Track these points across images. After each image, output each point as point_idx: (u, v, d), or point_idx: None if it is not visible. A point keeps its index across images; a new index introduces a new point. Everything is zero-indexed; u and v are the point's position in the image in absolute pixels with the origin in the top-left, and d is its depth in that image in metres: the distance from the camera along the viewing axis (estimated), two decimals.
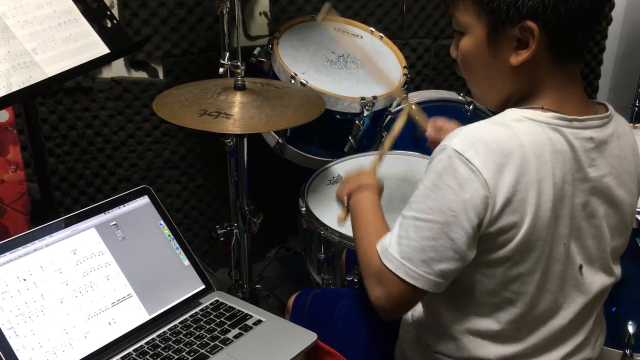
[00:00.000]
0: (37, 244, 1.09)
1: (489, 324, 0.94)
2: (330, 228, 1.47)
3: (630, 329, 1.45)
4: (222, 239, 1.87)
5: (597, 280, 0.96)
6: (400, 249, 0.90)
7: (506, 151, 0.84)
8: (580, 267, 0.94)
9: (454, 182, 0.85)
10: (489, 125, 0.88)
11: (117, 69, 1.99)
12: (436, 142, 1.30)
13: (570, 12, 0.85)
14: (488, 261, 0.90)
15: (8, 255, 1.06)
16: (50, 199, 1.56)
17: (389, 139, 1.33)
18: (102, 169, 2.08)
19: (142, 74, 2.04)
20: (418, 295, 0.92)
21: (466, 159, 0.84)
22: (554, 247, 0.90)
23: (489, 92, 0.98)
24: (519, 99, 0.93)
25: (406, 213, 0.91)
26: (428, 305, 1.02)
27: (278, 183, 2.25)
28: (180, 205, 2.23)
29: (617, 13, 2.48)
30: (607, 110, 0.95)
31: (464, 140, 0.86)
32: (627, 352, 1.45)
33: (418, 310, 1.06)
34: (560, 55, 0.89)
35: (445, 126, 1.33)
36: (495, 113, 1.27)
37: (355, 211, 1.11)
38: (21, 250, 1.07)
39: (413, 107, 1.44)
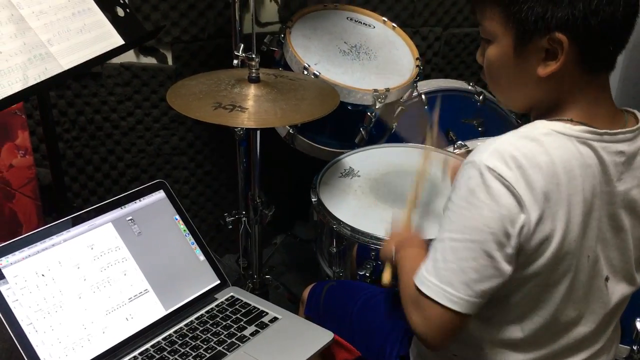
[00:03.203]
0: (55, 239, 1.10)
1: (511, 332, 0.95)
2: (342, 222, 1.47)
3: (638, 325, 1.46)
4: (230, 227, 1.88)
5: (618, 290, 0.97)
6: (438, 273, 0.87)
7: (536, 167, 0.83)
8: (607, 279, 0.94)
9: (488, 198, 0.83)
10: (518, 140, 0.86)
11: (126, 54, 1.96)
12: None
13: (601, 23, 0.82)
14: (519, 277, 0.89)
15: (26, 251, 1.06)
16: (63, 187, 1.56)
17: (417, 185, 1.33)
18: (110, 155, 2.07)
19: (151, 60, 2.02)
20: (462, 320, 0.88)
21: (498, 174, 0.83)
22: (580, 259, 0.90)
23: (513, 99, 0.97)
24: (546, 109, 0.92)
25: (440, 236, 0.89)
26: None
27: (285, 171, 2.25)
28: (188, 191, 2.23)
29: None
30: (637, 121, 0.93)
31: (494, 156, 0.84)
32: (635, 348, 1.47)
33: None
34: (590, 67, 0.87)
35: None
36: (514, 112, 1.26)
37: (401, 267, 1.05)
38: (39, 246, 1.08)
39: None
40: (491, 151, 0.85)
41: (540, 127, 0.88)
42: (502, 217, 0.83)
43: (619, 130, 0.89)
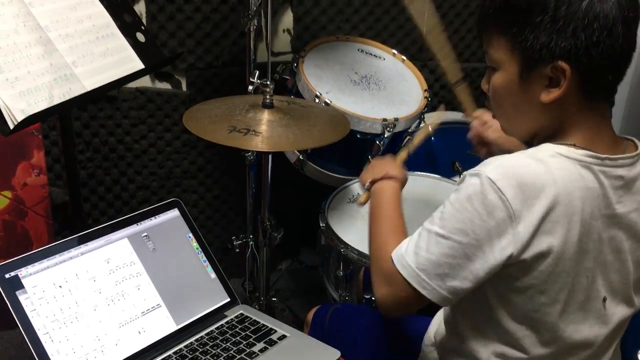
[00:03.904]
0: (73, 252, 1.13)
1: (513, 349, 0.98)
2: (350, 246, 1.50)
3: None
4: (237, 250, 1.91)
5: (618, 312, 1.00)
6: (417, 259, 0.94)
7: (539, 186, 0.87)
8: (604, 300, 0.97)
9: (482, 208, 0.88)
10: (525, 159, 0.90)
11: (142, 79, 2.03)
12: (478, 136, 1.33)
13: (602, 54, 0.88)
14: (511, 288, 0.93)
15: (45, 262, 1.09)
16: (80, 207, 1.60)
17: (421, 134, 1.40)
18: (122, 176, 2.12)
19: (165, 85, 2.08)
20: (423, 302, 0.96)
21: (498, 187, 0.87)
22: (577, 279, 0.93)
23: (517, 125, 1.01)
24: (548, 135, 0.96)
25: (429, 226, 0.94)
26: (453, 329, 1.05)
27: (292, 197, 2.28)
28: (197, 214, 2.26)
29: None
30: (636, 147, 0.97)
31: (498, 170, 0.89)
32: None
33: (441, 331, 1.09)
34: (590, 94, 0.92)
35: (491, 122, 1.31)
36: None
37: (376, 198, 1.15)
38: (58, 258, 1.11)
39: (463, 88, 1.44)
40: (496, 165, 0.90)
41: (545, 150, 0.92)
42: (490, 229, 0.88)
43: (620, 156, 0.93)
